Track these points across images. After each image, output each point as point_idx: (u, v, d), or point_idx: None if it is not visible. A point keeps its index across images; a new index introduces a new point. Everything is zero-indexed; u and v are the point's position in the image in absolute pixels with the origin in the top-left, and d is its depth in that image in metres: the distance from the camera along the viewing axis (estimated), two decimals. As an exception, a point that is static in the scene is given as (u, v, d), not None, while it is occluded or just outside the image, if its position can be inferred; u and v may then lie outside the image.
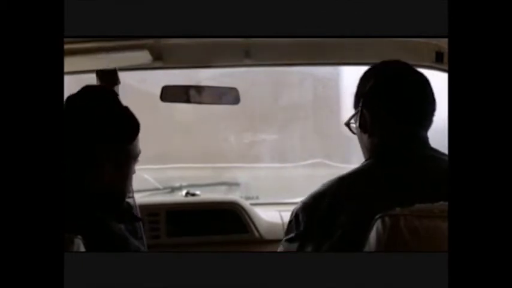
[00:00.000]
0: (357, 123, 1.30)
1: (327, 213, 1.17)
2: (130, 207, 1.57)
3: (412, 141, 1.23)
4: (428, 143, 1.25)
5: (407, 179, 1.17)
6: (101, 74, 1.60)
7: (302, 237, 1.19)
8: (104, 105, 1.29)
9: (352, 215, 1.14)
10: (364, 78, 1.30)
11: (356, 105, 1.30)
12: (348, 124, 1.34)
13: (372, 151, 1.27)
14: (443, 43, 1.57)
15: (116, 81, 1.61)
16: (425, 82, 1.26)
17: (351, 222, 1.13)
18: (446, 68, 1.58)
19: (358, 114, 1.28)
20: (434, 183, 1.14)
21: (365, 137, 1.28)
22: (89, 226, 1.16)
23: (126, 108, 1.32)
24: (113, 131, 1.27)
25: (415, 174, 1.17)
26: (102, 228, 1.20)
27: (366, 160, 1.27)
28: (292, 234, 1.21)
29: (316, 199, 1.21)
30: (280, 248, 1.24)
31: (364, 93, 1.27)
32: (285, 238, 1.24)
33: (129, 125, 1.31)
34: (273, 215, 2.02)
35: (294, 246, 1.20)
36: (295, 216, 1.22)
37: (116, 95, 1.39)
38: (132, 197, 1.60)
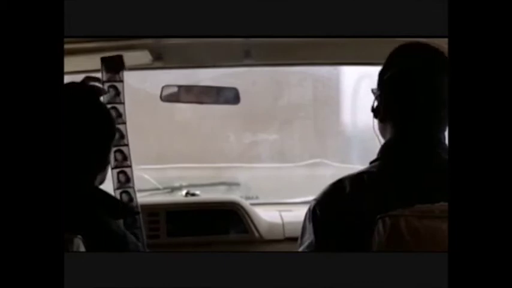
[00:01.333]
0: (372, 107, 1.28)
1: (341, 211, 1.16)
2: (130, 198, 1.57)
3: (422, 139, 1.20)
4: (440, 140, 1.21)
5: (415, 178, 1.16)
6: (106, 60, 1.60)
7: (321, 229, 1.19)
8: (85, 103, 1.28)
9: (363, 215, 1.13)
10: (391, 60, 1.26)
11: (378, 86, 1.27)
12: (373, 91, 1.30)
13: (384, 143, 1.25)
14: (443, 43, 1.57)
15: (121, 67, 1.60)
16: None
17: (362, 221, 1.12)
18: (446, 68, 1.57)
19: (375, 96, 1.26)
20: (439, 183, 1.13)
21: (378, 121, 1.27)
22: (87, 224, 1.16)
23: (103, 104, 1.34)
24: (99, 128, 1.28)
25: (422, 174, 1.16)
26: (101, 227, 1.20)
27: (376, 158, 1.25)
28: (311, 229, 1.21)
29: (331, 196, 1.20)
30: (300, 247, 1.24)
31: (382, 82, 1.24)
32: (304, 235, 1.24)
33: (110, 120, 1.32)
34: (273, 215, 2.02)
35: (312, 243, 1.20)
36: (312, 211, 1.21)
37: (94, 90, 1.39)
38: (133, 187, 1.60)
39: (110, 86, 1.57)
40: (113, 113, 1.53)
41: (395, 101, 1.23)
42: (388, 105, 1.24)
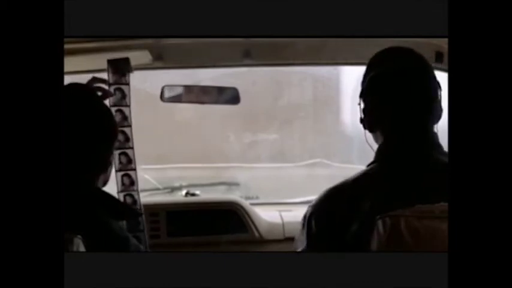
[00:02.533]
0: (360, 118, 1.29)
1: (337, 215, 1.16)
2: (133, 201, 1.57)
3: (414, 140, 1.20)
4: (433, 140, 1.21)
5: (412, 179, 1.16)
6: (112, 62, 1.59)
7: (314, 239, 1.19)
8: (85, 103, 1.29)
9: (362, 217, 1.13)
10: (368, 70, 1.27)
11: (360, 95, 1.28)
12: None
13: (378, 147, 1.26)
14: (443, 43, 1.57)
15: (128, 69, 1.60)
16: (423, 80, 1.22)
17: (361, 224, 1.12)
18: (446, 68, 1.58)
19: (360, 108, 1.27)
20: (435, 182, 1.13)
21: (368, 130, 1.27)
22: (87, 224, 1.16)
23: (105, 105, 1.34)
24: (99, 127, 1.28)
25: (416, 174, 1.16)
26: (101, 227, 1.20)
27: (372, 161, 1.25)
28: (304, 237, 1.21)
29: (325, 201, 1.20)
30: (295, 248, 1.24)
31: (363, 91, 1.26)
32: (298, 241, 1.24)
33: (111, 120, 1.32)
34: (273, 215, 2.02)
35: (305, 249, 1.20)
36: (307, 220, 1.22)
37: (93, 90, 1.39)
38: (137, 190, 1.59)
39: (116, 89, 1.57)
40: (119, 115, 1.53)
41: (380, 104, 1.23)
42: (373, 111, 1.24)
